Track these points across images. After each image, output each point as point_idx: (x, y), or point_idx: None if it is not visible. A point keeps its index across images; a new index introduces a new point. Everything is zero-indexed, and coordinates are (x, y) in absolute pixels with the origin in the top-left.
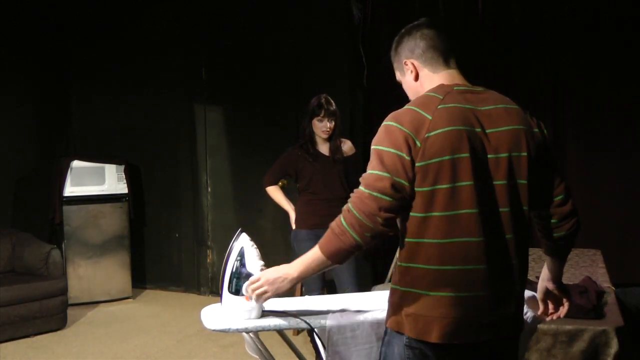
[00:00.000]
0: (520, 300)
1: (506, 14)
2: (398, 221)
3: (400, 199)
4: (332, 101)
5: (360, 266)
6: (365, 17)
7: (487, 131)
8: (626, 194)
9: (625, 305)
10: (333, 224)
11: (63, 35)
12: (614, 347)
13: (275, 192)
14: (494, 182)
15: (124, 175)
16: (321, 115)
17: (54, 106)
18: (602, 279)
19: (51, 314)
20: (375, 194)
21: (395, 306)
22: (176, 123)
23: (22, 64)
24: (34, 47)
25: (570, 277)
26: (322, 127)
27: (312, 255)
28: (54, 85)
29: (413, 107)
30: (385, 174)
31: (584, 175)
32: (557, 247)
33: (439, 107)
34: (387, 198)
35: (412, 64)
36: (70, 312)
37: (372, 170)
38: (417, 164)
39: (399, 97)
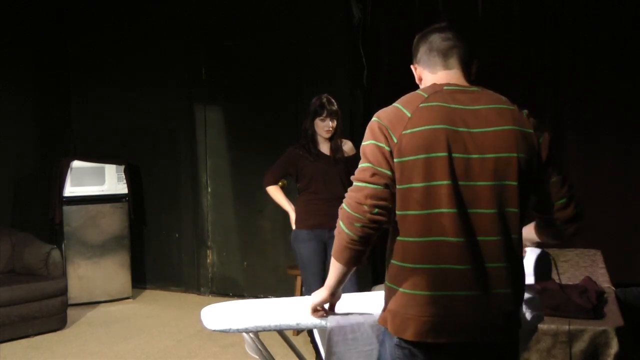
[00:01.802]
0: (515, 304)
1: (506, 11)
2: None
3: (385, 186)
4: (333, 101)
5: (360, 266)
6: (365, 17)
7: (473, 131)
8: (626, 194)
9: (625, 305)
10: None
11: (63, 36)
12: (614, 347)
13: (275, 192)
14: (478, 183)
15: (124, 175)
16: (323, 115)
17: (54, 106)
18: (602, 279)
19: (51, 314)
20: (360, 184)
21: (384, 301)
22: (176, 123)
23: (22, 64)
24: (34, 48)
25: (570, 277)
26: (324, 126)
27: (332, 265)
28: (54, 85)
29: (397, 105)
30: (368, 165)
31: (584, 174)
32: (548, 240)
33: (420, 105)
34: (371, 185)
35: (416, 68)
36: (70, 312)
37: (360, 164)
38: (394, 160)
39: (399, 97)
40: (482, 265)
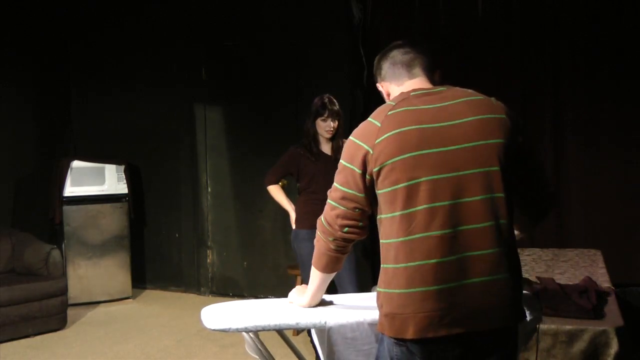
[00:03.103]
0: (512, 290)
1: (506, 11)
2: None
3: (354, 209)
4: (335, 101)
5: (360, 266)
6: (365, 17)
7: (445, 124)
8: (626, 194)
9: (625, 305)
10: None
11: (63, 36)
12: (614, 347)
13: (276, 192)
14: (462, 173)
15: (124, 175)
16: (325, 115)
17: (54, 106)
18: (602, 279)
19: (51, 314)
20: (332, 203)
21: (379, 309)
22: (176, 123)
23: (22, 64)
24: (34, 48)
25: (570, 277)
26: (325, 127)
27: (311, 273)
28: (54, 85)
29: (369, 119)
30: (339, 186)
31: (584, 174)
32: (528, 226)
33: (388, 113)
34: (341, 207)
35: (382, 86)
36: (70, 312)
37: (334, 181)
38: (374, 170)
39: None
40: (472, 253)
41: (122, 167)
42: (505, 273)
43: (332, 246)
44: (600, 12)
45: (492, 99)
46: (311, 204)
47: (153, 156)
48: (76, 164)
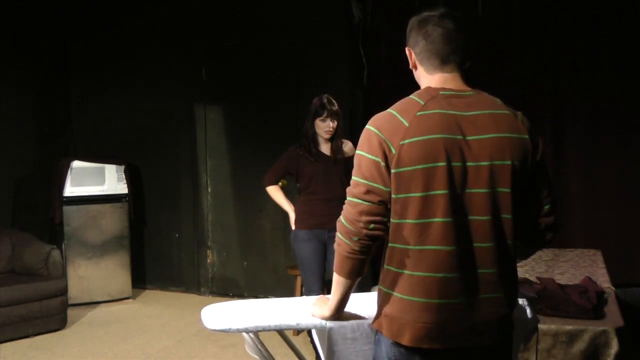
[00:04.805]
0: (507, 307)
1: (506, 11)
2: None
3: (379, 202)
4: (334, 101)
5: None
6: (365, 17)
7: (469, 138)
8: (626, 194)
9: (625, 305)
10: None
11: (63, 36)
12: (614, 347)
13: (275, 192)
14: (473, 191)
15: (124, 175)
16: (324, 115)
17: (54, 106)
18: (602, 279)
19: (51, 314)
20: (354, 200)
21: (378, 306)
22: (176, 123)
23: (22, 64)
24: (35, 48)
25: (570, 277)
26: (324, 127)
27: (334, 281)
28: (54, 85)
29: (393, 112)
30: (362, 180)
31: (584, 174)
32: (524, 253)
33: (417, 113)
34: (365, 203)
35: (411, 55)
36: (70, 312)
37: (354, 176)
38: (392, 171)
39: (399, 97)
40: (475, 271)
41: (122, 167)
42: (503, 292)
43: (356, 247)
44: (600, 12)
45: (519, 114)
46: (311, 204)
47: (153, 156)
48: (76, 164)
